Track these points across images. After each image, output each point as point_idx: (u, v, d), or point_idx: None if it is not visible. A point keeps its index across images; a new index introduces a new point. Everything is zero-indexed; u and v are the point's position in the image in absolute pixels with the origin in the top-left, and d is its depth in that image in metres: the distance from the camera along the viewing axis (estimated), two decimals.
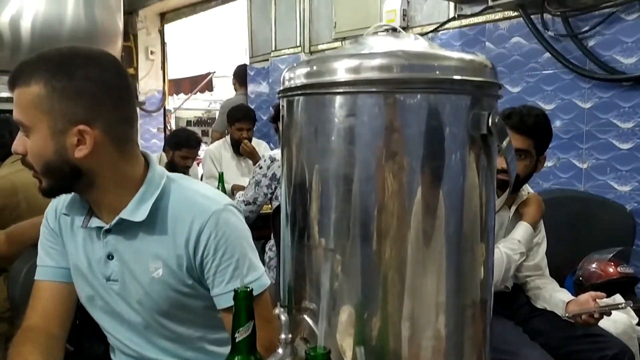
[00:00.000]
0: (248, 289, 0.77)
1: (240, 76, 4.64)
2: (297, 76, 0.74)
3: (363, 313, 0.70)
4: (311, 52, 3.88)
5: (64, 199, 1.09)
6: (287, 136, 0.77)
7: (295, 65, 0.77)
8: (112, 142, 0.98)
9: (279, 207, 2.42)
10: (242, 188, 3.17)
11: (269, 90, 4.22)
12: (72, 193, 1.06)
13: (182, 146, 3.46)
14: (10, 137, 2.05)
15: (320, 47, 3.82)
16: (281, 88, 0.78)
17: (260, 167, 2.67)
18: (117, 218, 1.01)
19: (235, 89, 4.76)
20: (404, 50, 0.70)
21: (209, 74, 8.41)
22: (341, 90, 0.70)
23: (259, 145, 3.76)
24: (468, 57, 0.73)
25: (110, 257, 1.05)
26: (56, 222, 1.12)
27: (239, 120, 3.65)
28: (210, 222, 1.01)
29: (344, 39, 3.62)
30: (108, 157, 0.98)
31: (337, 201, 0.71)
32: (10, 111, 2.66)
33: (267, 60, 4.19)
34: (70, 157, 0.95)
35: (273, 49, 4.11)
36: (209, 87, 8.59)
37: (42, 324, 1.07)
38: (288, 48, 4.00)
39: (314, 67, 0.74)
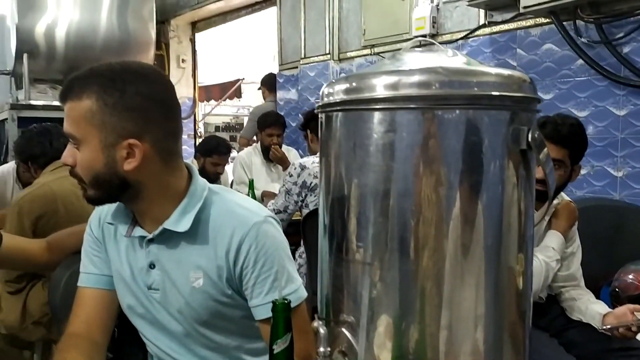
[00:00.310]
0: (286, 301, 0.79)
1: (269, 84, 4.69)
2: (336, 92, 0.76)
3: (401, 326, 0.71)
4: (340, 60, 3.89)
5: (107, 208, 1.12)
6: (326, 150, 0.78)
7: (334, 81, 0.78)
8: (159, 155, 1.01)
9: (309, 214, 2.46)
10: (272, 194, 3.19)
11: (298, 97, 4.25)
12: (117, 202, 1.08)
13: (213, 153, 3.51)
14: (50, 146, 2.12)
15: (349, 54, 3.83)
16: (320, 103, 0.79)
17: (291, 175, 2.68)
18: (160, 228, 1.04)
19: (264, 97, 4.81)
20: (442, 67, 0.71)
21: (238, 80, 8.50)
22: (380, 107, 0.71)
23: (289, 152, 3.79)
24: (506, 72, 0.73)
25: (152, 266, 1.08)
26: (100, 230, 1.15)
27: (269, 126, 3.68)
28: (251, 234, 1.03)
29: (372, 46, 3.63)
30: (154, 170, 1.01)
31: (375, 215, 0.72)
32: (50, 119, 2.75)
33: (297, 67, 4.23)
34: (119, 170, 0.98)
35: (302, 56, 4.14)
36: (238, 93, 8.68)
37: (85, 331, 1.10)
38: (317, 55, 4.03)
39: (353, 84, 0.76)
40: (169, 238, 1.05)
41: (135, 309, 1.12)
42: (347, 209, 0.75)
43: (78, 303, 1.14)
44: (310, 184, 2.60)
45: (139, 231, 1.08)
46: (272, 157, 3.66)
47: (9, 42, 4.63)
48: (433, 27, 3.16)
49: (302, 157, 3.80)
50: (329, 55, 3.93)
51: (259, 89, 5.00)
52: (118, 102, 0.96)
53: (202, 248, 1.05)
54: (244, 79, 8.60)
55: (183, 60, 5.74)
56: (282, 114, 4.10)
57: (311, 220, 2.40)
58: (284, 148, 3.76)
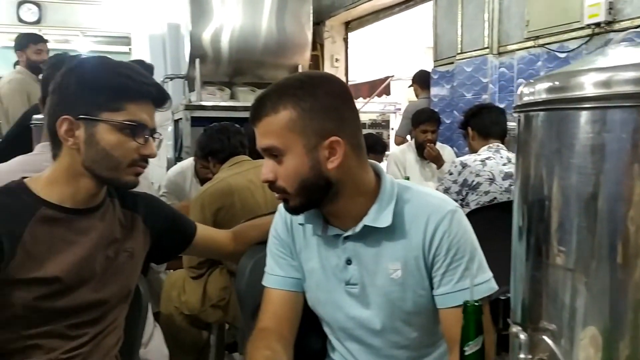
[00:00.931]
0: (477, 304, 0.78)
1: (422, 80, 4.64)
2: (538, 91, 0.73)
3: (610, 339, 0.67)
4: (500, 54, 3.73)
5: None
6: (525, 151, 0.76)
7: (533, 80, 0.75)
8: (353, 150, 1.05)
9: (470, 213, 2.39)
10: None
11: (453, 94, 4.15)
12: None
13: (369, 151, 3.54)
14: (228, 142, 2.31)
15: (510, 47, 3.66)
16: (518, 103, 0.77)
17: (450, 174, 2.63)
18: (361, 225, 1.07)
19: (416, 94, 4.77)
20: None
21: (387, 77, 8.51)
22: (589, 106, 0.67)
23: (443, 149, 3.72)
24: None
25: (349, 262, 1.12)
26: (289, 233, 1.20)
27: (424, 122, 3.65)
28: (445, 221, 1.05)
29: (537, 37, 3.42)
30: (351, 166, 1.05)
31: (580, 219, 0.68)
32: (218, 118, 2.97)
33: (452, 63, 4.13)
34: (324, 170, 1.02)
35: (459, 51, 4.04)
36: (387, 91, 8.70)
37: (274, 327, 1.16)
38: (475, 50, 3.90)
39: (557, 82, 0.72)
40: (367, 234, 1.08)
41: (326, 304, 1.17)
42: (548, 211, 0.72)
43: (266, 301, 1.20)
44: (472, 182, 2.53)
45: (333, 230, 1.12)
46: (427, 156, 3.62)
47: (183, 49, 5.11)
48: (609, 13, 2.90)
49: (457, 155, 3.72)
50: (487, 49, 3.78)
51: (410, 86, 4.96)
52: (314, 105, 1.01)
53: (399, 240, 1.08)
54: (393, 76, 8.59)
55: (337, 60, 5.90)
56: (436, 110, 4.04)
57: (473, 220, 2.34)
58: (438, 145, 3.70)
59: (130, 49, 6.90)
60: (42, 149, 1.47)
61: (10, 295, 1.02)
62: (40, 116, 1.83)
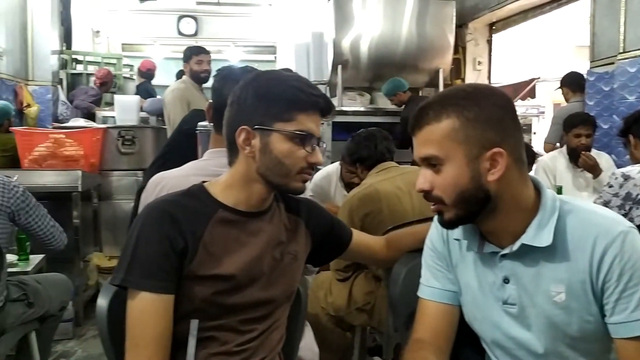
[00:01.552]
0: None
1: (573, 83, 4.32)
2: None
3: None
4: None
5: None
6: None
7: None
8: (515, 163, 1.02)
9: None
10: None
11: (612, 97, 3.83)
12: None
13: None
14: (375, 149, 2.34)
15: None
16: None
17: (610, 186, 2.44)
18: (518, 243, 1.04)
19: (566, 97, 4.45)
20: None
21: (532, 79, 8.07)
22: None
23: (600, 157, 3.44)
24: None
25: (506, 280, 1.08)
26: (445, 246, 1.20)
27: (577, 125, 3.42)
28: (616, 244, 0.98)
29: None
30: (512, 180, 1.02)
31: None
32: (358, 123, 3.04)
33: (612, 63, 3.81)
34: (484, 182, 1.01)
35: (620, 50, 3.71)
36: (532, 93, 8.25)
37: (430, 339, 1.15)
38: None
39: None
40: (525, 253, 1.04)
41: (483, 322, 1.14)
42: None
43: (422, 313, 1.20)
44: (637, 196, 2.32)
45: (490, 247, 1.09)
46: (582, 165, 3.37)
47: (326, 56, 5.27)
48: None
49: (617, 164, 3.43)
50: None
51: (558, 88, 4.65)
52: (478, 115, 1.00)
53: (561, 261, 1.02)
54: (539, 77, 8.13)
55: (479, 63, 5.71)
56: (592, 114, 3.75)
57: None
58: (594, 152, 3.44)
59: (275, 57, 7.26)
60: (210, 155, 1.58)
61: (191, 290, 1.12)
62: (204, 123, 1.96)
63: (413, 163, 3.00)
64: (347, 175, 2.66)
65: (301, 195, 1.26)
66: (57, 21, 5.49)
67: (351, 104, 5.09)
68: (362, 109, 5.08)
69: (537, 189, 1.08)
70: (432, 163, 1.04)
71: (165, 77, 6.98)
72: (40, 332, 2.41)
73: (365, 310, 2.21)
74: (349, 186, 2.59)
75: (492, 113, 1.01)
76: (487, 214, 1.04)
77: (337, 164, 3.07)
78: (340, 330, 2.35)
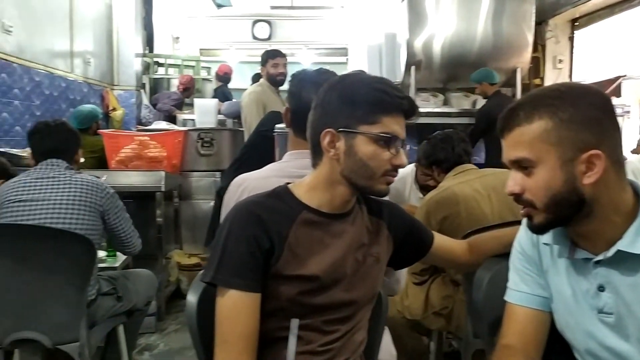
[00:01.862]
0: None
1: None
2: None
3: None
4: None
5: None
6: None
7: None
8: (613, 166, 0.98)
9: None
10: None
11: None
12: None
13: None
14: (452, 152, 2.30)
15: None
16: None
17: None
18: (613, 250, 1.00)
19: None
20: None
21: (618, 77, 7.64)
22: None
23: None
24: None
25: (601, 288, 1.04)
26: (535, 250, 1.17)
27: None
28: None
29: None
30: (609, 183, 0.98)
31: None
32: (431, 124, 3.01)
33: None
34: (579, 186, 0.97)
35: None
36: (617, 92, 7.80)
37: (519, 345, 1.13)
38: None
39: None
40: (621, 260, 1.00)
41: (575, 330, 1.11)
42: None
43: (510, 318, 1.17)
44: None
45: (582, 253, 1.05)
46: None
47: (399, 57, 5.23)
48: None
49: None
50: None
51: None
52: (573, 116, 0.97)
53: None
54: (625, 75, 7.68)
55: (560, 61, 5.47)
56: None
57: None
58: None
59: (347, 59, 7.28)
60: (289, 157, 1.60)
61: (277, 289, 1.15)
62: (282, 125, 1.99)
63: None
64: (422, 178, 2.63)
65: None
66: (140, 27, 5.77)
67: (425, 105, 5.03)
68: (436, 109, 5.01)
69: (636, 192, 1.03)
70: (523, 166, 1.01)
71: (240, 80, 7.16)
72: (127, 325, 2.53)
73: (443, 314, 2.18)
74: (424, 188, 2.56)
75: (589, 113, 0.97)
76: (581, 219, 1.01)
77: (412, 166, 3.03)
78: (416, 334, 2.33)
